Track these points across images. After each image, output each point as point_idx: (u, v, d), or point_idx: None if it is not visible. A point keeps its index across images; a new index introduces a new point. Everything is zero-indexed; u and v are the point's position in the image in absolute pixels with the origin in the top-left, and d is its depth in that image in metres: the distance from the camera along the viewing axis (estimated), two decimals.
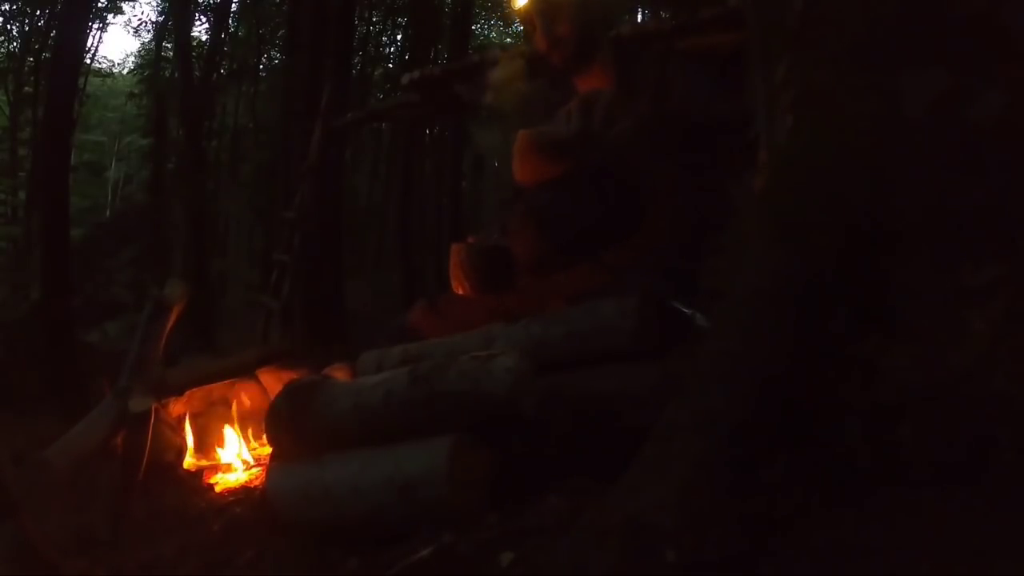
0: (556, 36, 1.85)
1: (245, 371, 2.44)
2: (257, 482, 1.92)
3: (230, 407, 2.31)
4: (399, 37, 18.83)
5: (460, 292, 1.71)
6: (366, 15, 16.21)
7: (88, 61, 18.58)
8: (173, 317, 2.18)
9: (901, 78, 0.80)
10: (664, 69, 1.79)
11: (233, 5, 17.24)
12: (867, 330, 0.78)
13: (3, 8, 16.08)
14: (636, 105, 1.56)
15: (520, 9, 1.87)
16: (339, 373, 1.91)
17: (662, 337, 1.40)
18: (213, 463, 2.16)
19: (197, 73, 12.77)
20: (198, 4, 16.13)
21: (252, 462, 2.16)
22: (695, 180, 1.64)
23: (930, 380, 0.74)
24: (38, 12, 15.86)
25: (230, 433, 2.24)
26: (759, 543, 0.75)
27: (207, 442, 2.27)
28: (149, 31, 19.89)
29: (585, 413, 1.30)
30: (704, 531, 0.76)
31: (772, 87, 0.93)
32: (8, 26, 16.59)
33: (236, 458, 2.18)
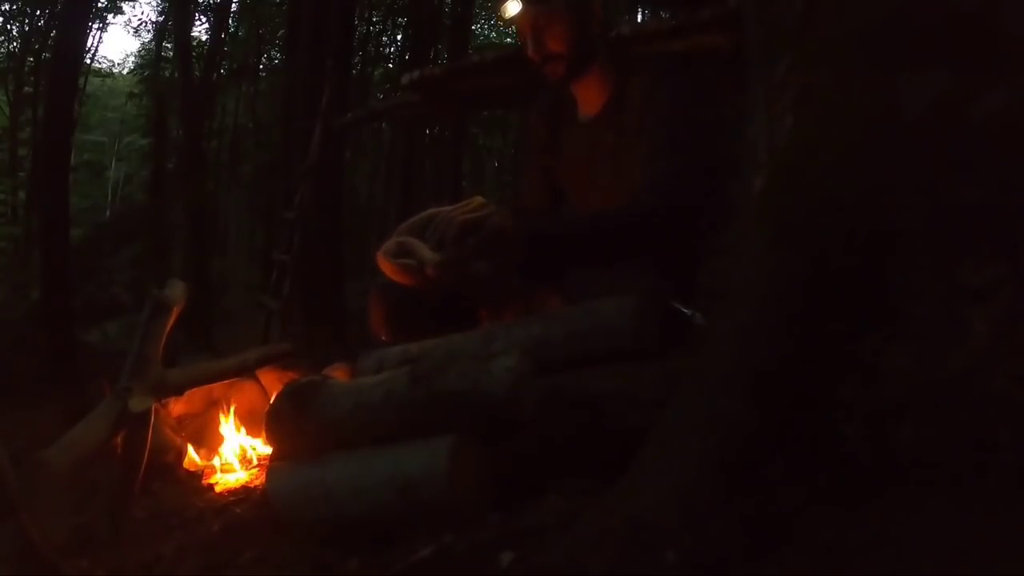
0: (548, 52, 1.72)
1: (245, 371, 2.44)
2: (257, 482, 1.92)
3: (230, 407, 2.31)
4: (399, 37, 18.86)
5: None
6: (366, 15, 16.23)
7: (88, 61, 18.64)
8: (173, 317, 2.18)
9: (901, 78, 0.80)
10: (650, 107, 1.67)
11: (233, 5, 17.26)
12: (867, 330, 0.78)
13: (3, 8, 16.12)
14: (517, 236, 1.44)
15: (510, 20, 1.75)
16: (339, 373, 1.91)
17: (662, 337, 1.40)
18: (213, 463, 2.16)
19: (197, 73, 12.79)
20: (198, 4, 16.16)
21: (252, 462, 2.16)
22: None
23: (930, 380, 0.74)
24: (38, 12, 15.89)
25: (230, 433, 2.24)
26: (759, 543, 0.75)
27: (207, 442, 2.27)
28: (149, 31, 19.96)
29: (585, 413, 1.30)
30: (704, 531, 0.77)
31: (772, 87, 0.93)
32: (8, 26, 16.64)
33: (236, 458, 2.18)
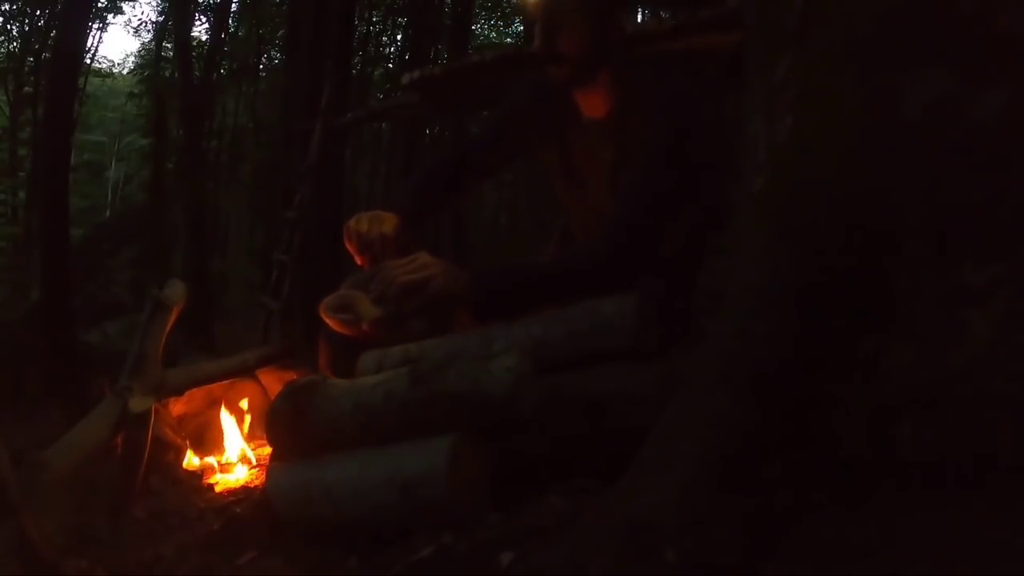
0: (557, 51, 1.62)
1: (245, 371, 2.44)
2: (257, 482, 1.92)
3: (230, 407, 2.31)
4: (399, 37, 18.86)
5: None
6: (366, 15, 16.23)
7: (88, 61, 18.64)
8: (173, 317, 2.18)
9: (901, 78, 0.80)
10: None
11: (233, 5, 17.26)
12: (867, 330, 0.78)
13: (3, 8, 16.12)
14: (458, 300, 1.48)
15: (526, 4, 1.66)
16: None
17: (662, 337, 1.40)
18: (213, 463, 2.16)
19: (197, 73, 12.79)
20: (198, 4, 16.17)
21: (252, 462, 2.16)
22: None
23: (930, 380, 0.74)
24: (38, 12, 15.89)
25: (229, 433, 2.24)
26: (759, 543, 0.75)
27: (207, 442, 2.27)
28: (149, 31, 19.97)
29: (585, 413, 1.30)
30: (704, 531, 0.77)
31: (772, 87, 0.93)
32: (8, 26, 16.64)
33: (236, 458, 2.18)
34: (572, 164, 1.81)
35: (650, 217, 1.58)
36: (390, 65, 18.74)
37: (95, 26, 18.75)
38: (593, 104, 1.74)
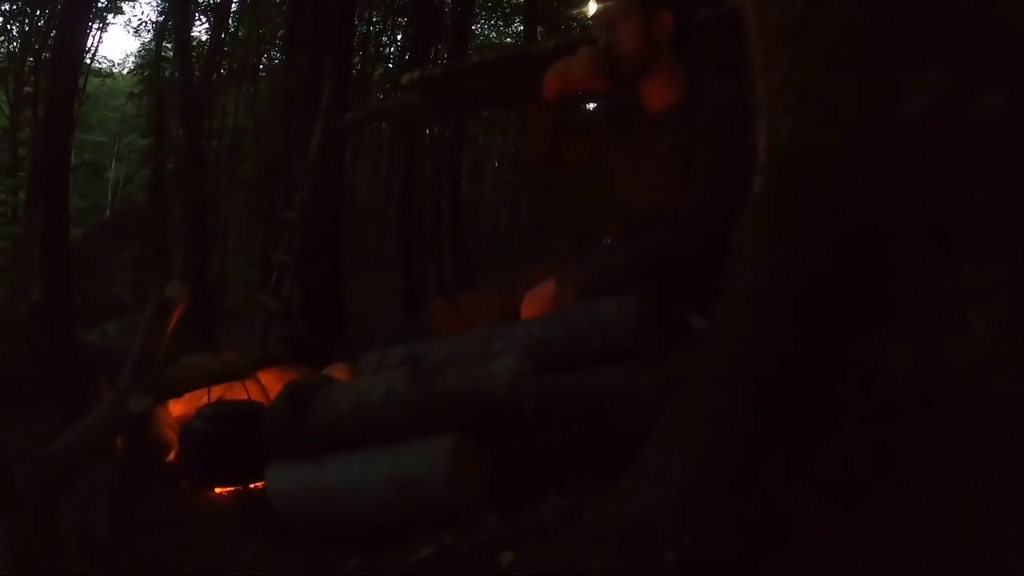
0: (621, 52, 1.84)
1: (245, 371, 2.44)
2: (257, 482, 1.92)
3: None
4: (399, 37, 18.85)
5: None
6: (366, 15, 16.21)
7: (88, 61, 18.62)
8: (174, 318, 2.18)
9: (901, 78, 0.80)
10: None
11: (233, 5, 17.24)
12: (867, 330, 0.78)
13: (3, 8, 16.11)
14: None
15: (592, 18, 1.91)
16: (339, 373, 1.91)
17: (662, 337, 1.40)
18: None
19: (197, 73, 12.78)
20: (198, 4, 16.15)
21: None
22: None
23: (930, 380, 0.74)
24: (38, 12, 15.88)
25: None
26: (759, 543, 0.75)
27: None
28: (149, 31, 19.92)
29: (585, 413, 1.30)
30: (704, 531, 0.77)
31: (772, 87, 0.93)
32: (8, 26, 16.62)
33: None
34: (635, 147, 1.96)
35: (719, 201, 1.72)
36: (390, 65, 18.74)
37: (95, 26, 18.72)
38: (656, 96, 1.93)
